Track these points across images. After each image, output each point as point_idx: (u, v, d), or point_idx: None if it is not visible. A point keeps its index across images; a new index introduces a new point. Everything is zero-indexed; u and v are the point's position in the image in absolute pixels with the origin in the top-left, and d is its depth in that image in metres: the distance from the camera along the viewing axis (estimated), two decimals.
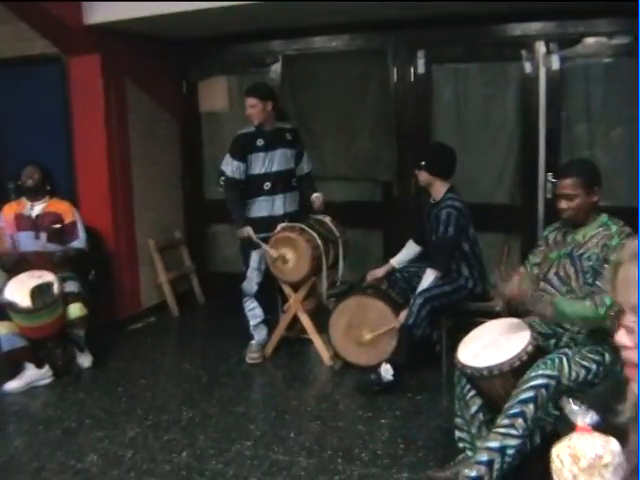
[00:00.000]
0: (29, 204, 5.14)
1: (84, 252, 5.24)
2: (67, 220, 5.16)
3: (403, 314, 4.48)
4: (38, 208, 5.13)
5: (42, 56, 5.93)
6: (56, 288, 4.73)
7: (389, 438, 3.87)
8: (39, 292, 4.66)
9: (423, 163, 4.52)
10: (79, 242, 5.20)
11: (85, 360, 5.12)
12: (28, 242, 5.07)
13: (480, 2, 4.91)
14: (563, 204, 3.17)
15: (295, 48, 6.29)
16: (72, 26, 5.38)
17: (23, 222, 5.10)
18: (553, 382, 2.79)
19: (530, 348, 2.94)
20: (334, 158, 6.12)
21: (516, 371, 2.89)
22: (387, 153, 5.96)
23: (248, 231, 4.93)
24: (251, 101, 4.91)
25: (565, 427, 2.33)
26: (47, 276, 4.79)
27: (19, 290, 4.68)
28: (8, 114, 6.36)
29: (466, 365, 3.03)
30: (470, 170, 5.51)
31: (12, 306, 4.63)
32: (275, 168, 5.02)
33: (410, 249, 4.94)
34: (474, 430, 3.17)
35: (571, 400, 2.34)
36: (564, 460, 2.15)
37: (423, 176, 4.55)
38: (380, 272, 4.96)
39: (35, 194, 5.12)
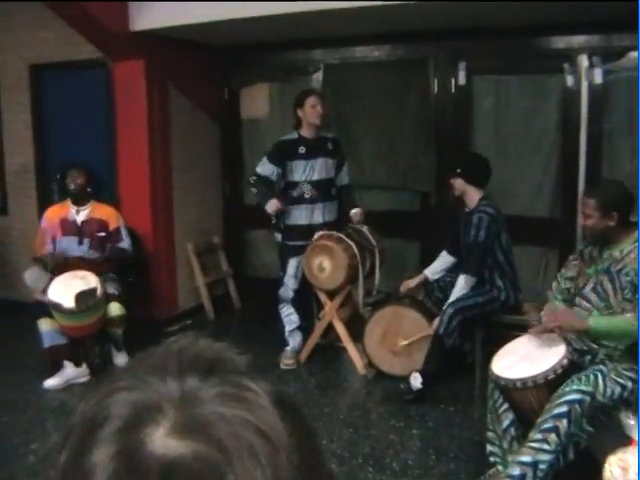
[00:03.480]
0: (74, 209, 5.16)
1: (128, 254, 5.32)
2: (112, 226, 5.22)
3: (436, 322, 4.48)
4: (83, 214, 5.16)
5: (88, 61, 6.06)
6: (99, 291, 4.81)
7: (420, 448, 3.88)
8: (82, 296, 4.74)
9: (459, 170, 4.53)
10: (124, 244, 5.29)
11: (122, 360, 5.19)
12: (71, 247, 5.13)
13: (522, 14, 4.90)
14: (582, 220, 3.25)
15: (337, 57, 6.32)
16: (117, 32, 5.47)
17: (68, 227, 5.14)
18: (588, 398, 2.78)
19: (565, 362, 2.93)
20: (373, 167, 6.14)
21: (550, 384, 2.88)
22: (426, 163, 5.95)
23: (276, 204, 4.97)
24: (318, 100, 4.99)
25: (599, 443, 2.32)
26: (90, 278, 4.87)
27: (63, 291, 4.76)
28: (55, 117, 6.49)
29: (500, 376, 3.03)
30: (509, 182, 5.50)
31: (56, 306, 4.72)
32: (316, 177, 5.06)
33: (443, 260, 4.93)
34: (505, 445, 3.16)
35: (630, 414, 2.34)
36: (614, 471, 2.15)
37: (458, 183, 4.56)
38: (413, 282, 4.96)
39: (79, 199, 5.16)
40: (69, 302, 4.70)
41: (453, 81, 5.86)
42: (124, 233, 5.29)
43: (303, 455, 0.53)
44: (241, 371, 0.58)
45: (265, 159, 5.07)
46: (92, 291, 4.78)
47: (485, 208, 4.45)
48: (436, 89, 5.93)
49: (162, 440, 0.49)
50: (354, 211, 5.18)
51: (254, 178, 5.12)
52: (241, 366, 0.59)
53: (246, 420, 0.51)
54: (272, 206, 4.96)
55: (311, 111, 4.95)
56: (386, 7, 4.62)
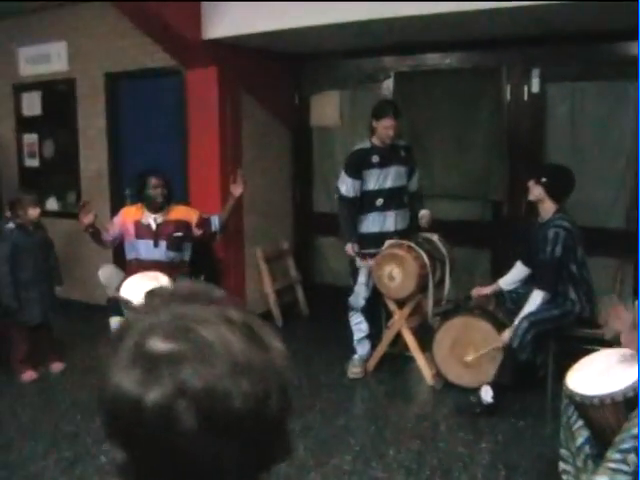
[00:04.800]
0: (150, 214, 5.21)
1: (216, 234, 5.47)
2: (194, 219, 5.30)
3: (506, 333, 4.40)
4: (159, 218, 5.21)
5: (162, 69, 6.18)
6: None
7: (490, 463, 3.81)
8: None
9: (543, 180, 4.43)
10: (215, 226, 5.39)
11: None
12: (147, 250, 5.17)
13: (598, 19, 4.79)
14: None
15: (408, 64, 6.30)
16: (191, 40, 5.56)
17: (143, 231, 5.18)
18: None
19: None
20: (444, 175, 6.08)
21: (629, 402, 2.79)
22: (498, 172, 5.87)
23: (353, 249, 5.00)
24: (393, 122, 4.97)
25: None
26: (161, 278, 4.94)
27: (134, 290, 4.85)
28: (129, 123, 6.63)
29: (575, 392, 2.95)
30: (584, 192, 5.35)
31: (127, 304, 4.80)
32: (388, 185, 5.05)
33: (518, 270, 4.84)
34: (579, 463, 3.06)
35: None
36: None
37: (537, 191, 4.46)
38: (486, 290, 4.89)
39: (159, 206, 5.20)
40: (139, 300, 4.76)
41: (526, 89, 5.78)
42: (207, 216, 5.38)
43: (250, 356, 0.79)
44: (214, 300, 0.85)
45: (344, 174, 5.07)
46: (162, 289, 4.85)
47: (561, 222, 4.35)
48: (509, 97, 5.85)
49: (154, 341, 0.78)
50: (423, 211, 5.16)
51: (337, 196, 5.14)
52: (215, 297, 0.86)
53: (209, 329, 0.79)
54: (349, 250, 5.04)
55: (384, 132, 4.97)
56: (460, 14, 4.58)
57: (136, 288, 4.86)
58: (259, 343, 0.81)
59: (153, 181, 5.14)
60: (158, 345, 0.78)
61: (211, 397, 0.75)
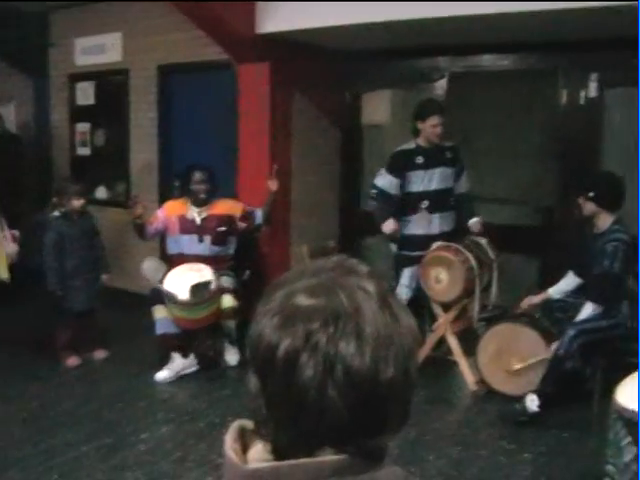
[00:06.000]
0: (195, 209, 5.24)
1: (260, 227, 5.51)
2: (239, 213, 5.31)
3: (555, 344, 4.30)
4: (203, 213, 5.24)
5: (214, 62, 6.19)
6: (213, 285, 4.89)
7: (532, 475, 3.72)
8: (197, 289, 4.83)
9: (591, 194, 4.30)
10: (258, 219, 5.42)
11: (233, 358, 5.26)
12: (191, 245, 5.20)
13: None
14: None
15: (462, 65, 6.20)
16: (244, 34, 5.56)
17: (187, 225, 5.22)
18: None
19: None
20: (494, 179, 5.99)
21: None
22: (550, 178, 5.76)
23: (393, 224, 4.95)
24: (440, 120, 4.92)
25: None
26: (205, 271, 4.95)
27: (179, 283, 4.86)
28: (179, 116, 6.67)
29: (625, 408, 2.86)
30: None
31: (171, 298, 4.82)
32: (434, 186, 4.99)
33: (569, 280, 4.71)
34: None
35: None
36: None
37: (589, 207, 4.33)
38: (536, 299, 4.78)
39: (202, 202, 5.24)
40: (184, 294, 4.79)
41: (583, 93, 5.64)
42: (251, 209, 5.42)
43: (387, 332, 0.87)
44: (361, 274, 0.93)
45: (384, 171, 5.04)
46: (206, 284, 4.86)
47: (620, 235, 4.22)
48: (565, 101, 5.72)
49: (299, 296, 0.88)
50: (473, 220, 5.08)
51: (374, 192, 5.09)
52: (362, 271, 0.94)
53: (356, 291, 0.89)
54: (388, 226, 4.95)
55: (432, 130, 4.93)
56: (515, 15, 4.48)
57: (180, 280, 4.88)
58: (390, 313, 0.89)
59: (197, 176, 5.17)
60: (301, 300, 0.87)
61: (333, 354, 0.83)
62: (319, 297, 0.87)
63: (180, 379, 5.00)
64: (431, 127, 4.91)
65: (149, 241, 5.73)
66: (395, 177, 4.97)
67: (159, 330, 5.03)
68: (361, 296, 0.88)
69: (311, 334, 0.84)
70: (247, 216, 5.32)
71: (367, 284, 0.90)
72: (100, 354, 5.42)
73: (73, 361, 5.24)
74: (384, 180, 5.02)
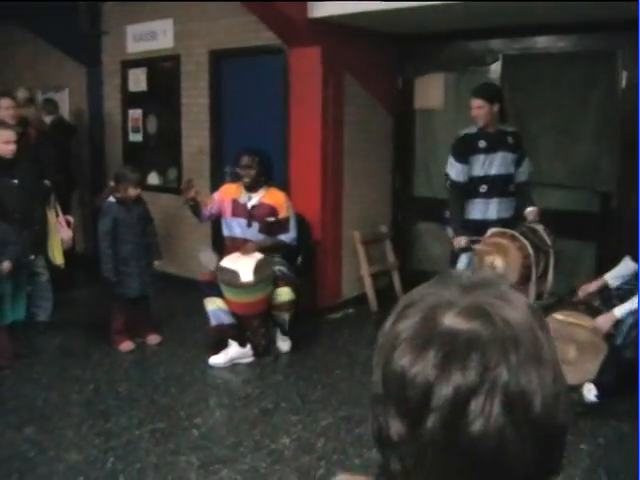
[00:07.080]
0: (246, 194, 5.23)
1: (288, 246, 5.33)
2: (281, 215, 5.23)
3: (600, 319, 4.16)
4: (255, 199, 5.21)
5: (266, 47, 6.15)
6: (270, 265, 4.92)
7: (589, 466, 3.62)
8: (258, 265, 4.83)
9: None
10: (287, 237, 5.28)
11: (284, 344, 5.25)
12: (240, 229, 5.22)
13: None
14: None
15: (517, 47, 6.06)
16: (296, 19, 5.52)
17: (239, 209, 5.22)
18: None
19: None
20: (551, 164, 5.85)
21: None
22: (608, 162, 5.61)
23: (464, 241, 4.86)
24: (478, 102, 4.83)
25: None
26: (258, 255, 4.95)
27: (239, 265, 4.86)
28: (231, 101, 6.65)
29: None
30: None
31: (232, 279, 4.80)
32: (494, 171, 4.89)
33: (626, 266, 4.57)
34: None
35: None
36: None
37: None
38: (592, 287, 4.64)
39: (252, 187, 5.21)
40: (247, 275, 4.78)
41: None
42: (292, 224, 5.30)
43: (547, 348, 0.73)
44: (503, 288, 0.76)
45: (452, 159, 4.98)
46: (266, 260, 4.88)
47: None
48: (624, 83, 5.55)
49: (452, 318, 0.70)
50: (529, 209, 4.96)
51: (448, 182, 5.03)
52: (503, 286, 0.76)
53: (508, 312, 0.71)
54: (459, 242, 4.89)
55: (475, 112, 4.84)
56: None
57: (237, 264, 4.90)
58: (549, 338, 0.75)
59: (244, 160, 5.15)
60: (457, 323, 0.70)
61: (515, 391, 0.68)
62: (476, 318, 0.70)
63: (233, 365, 5.00)
64: (470, 109, 4.83)
65: (204, 222, 5.74)
66: (462, 163, 4.91)
67: (214, 321, 5.03)
68: (520, 314, 0.73)
69: (488, 369, 0.67)
70: (283, 222, 5.27)
71: (512, 293, 0.75)
72: (153, 339, 5.45)
73: (127, 346, 5.29)
74: (453, 169, 4.96)
